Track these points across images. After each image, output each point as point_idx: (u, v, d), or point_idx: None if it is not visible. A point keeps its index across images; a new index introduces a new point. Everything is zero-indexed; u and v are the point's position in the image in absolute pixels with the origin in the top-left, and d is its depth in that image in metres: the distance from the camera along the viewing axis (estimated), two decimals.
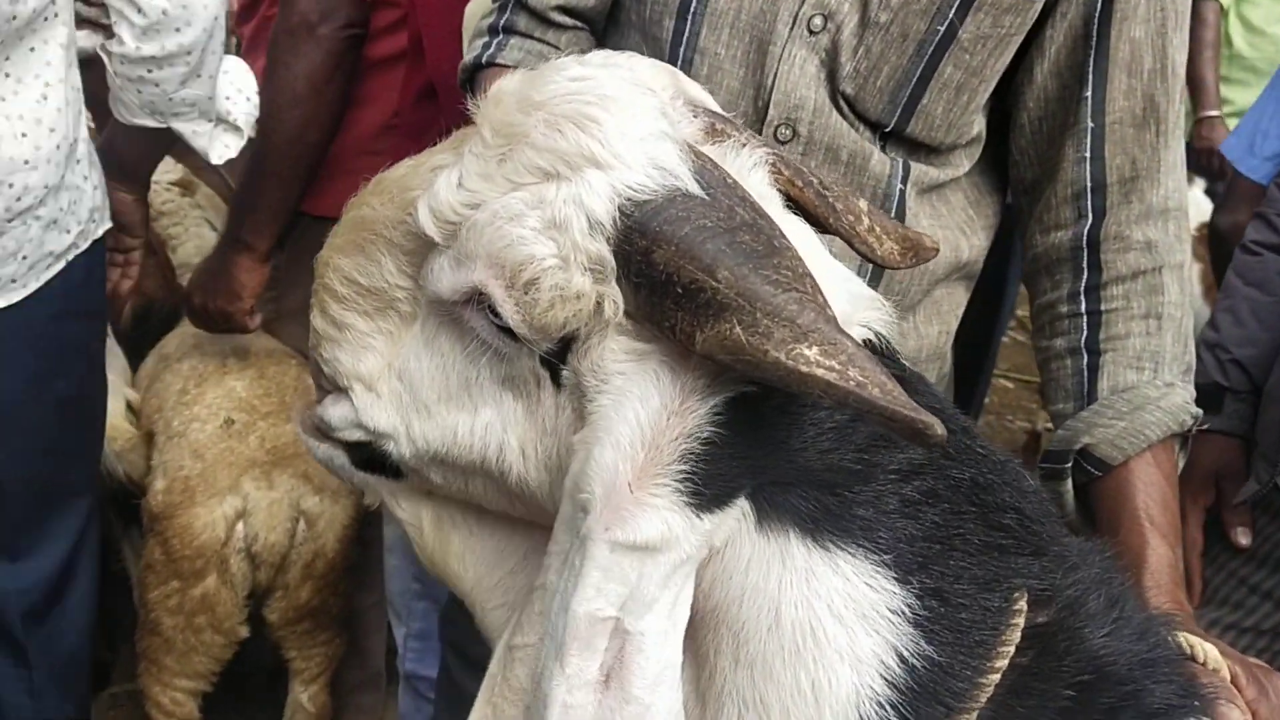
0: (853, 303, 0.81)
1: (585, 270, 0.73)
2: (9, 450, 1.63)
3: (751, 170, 0.81)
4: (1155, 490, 1.13)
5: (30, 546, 1.72)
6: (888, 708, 0.78)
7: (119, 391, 2.21)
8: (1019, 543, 0.85)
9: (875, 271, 1.18)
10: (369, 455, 0.90)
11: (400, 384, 0.87)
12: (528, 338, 0.76)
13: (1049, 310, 1.23)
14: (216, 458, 1.90)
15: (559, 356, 0.76)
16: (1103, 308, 1.16)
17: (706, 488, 0.73)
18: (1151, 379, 1.14)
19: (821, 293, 0.73)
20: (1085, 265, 1.19)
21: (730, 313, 0.69)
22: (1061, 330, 1.19)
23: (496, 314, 0.76)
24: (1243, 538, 1.57)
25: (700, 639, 0.81)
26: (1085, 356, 1.16)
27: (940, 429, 0.68)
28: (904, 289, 1.20)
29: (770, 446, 0.75)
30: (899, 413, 0.67)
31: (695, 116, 0.81)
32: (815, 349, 0.68)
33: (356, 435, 0.90)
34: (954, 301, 1.26)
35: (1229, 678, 0.95)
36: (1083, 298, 1.18)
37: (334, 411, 0.90)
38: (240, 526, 1.88)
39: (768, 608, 0.77)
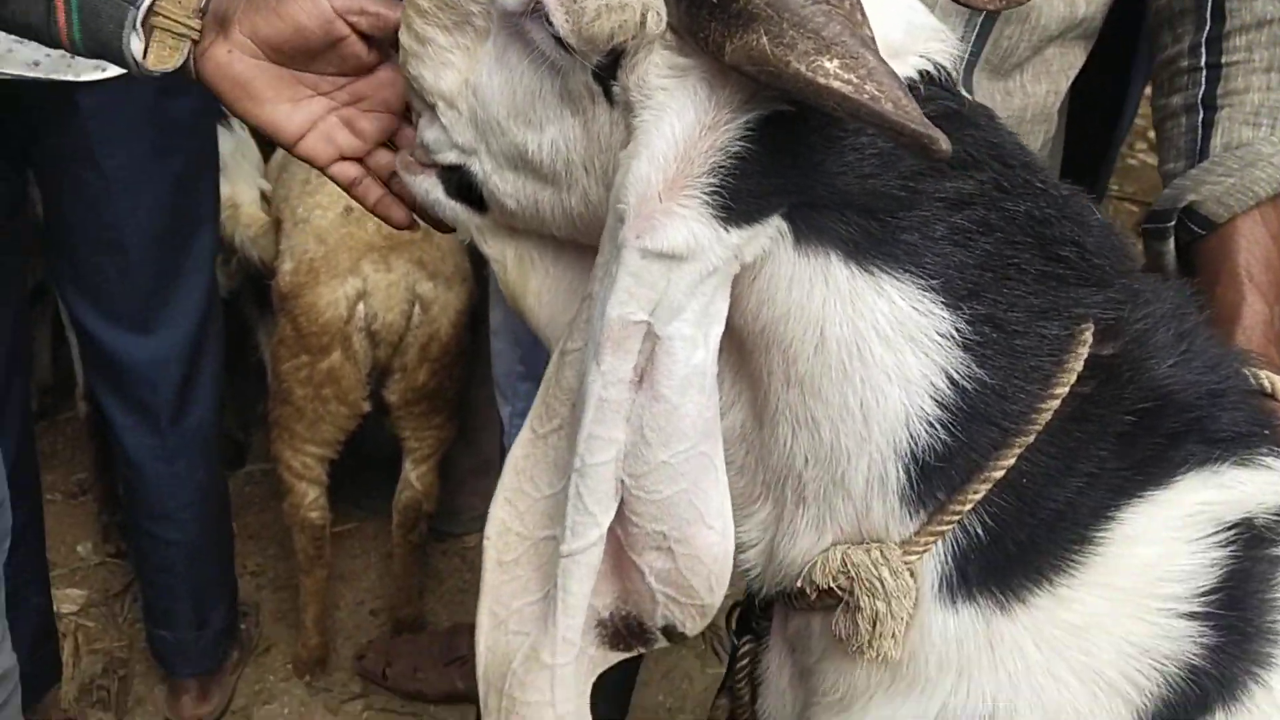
0: (910, 32, 0.80)
1: None
2: (135, 221, 1.76)
3: None
4: (1259, 248, 1.10)
5: (159, 319, 1.86)
6: (937, 426, 0.81)
7: (253, 181, 2.35)
8: (1080, 275, 0.86)
9: (984, 26, 1.16)
10: (460, 181, 0.94)
11: (475, 100, 0.89)
12: (577, 48, 0.78)
13: (1169, 66, 1.19)
14: (338, 242, 2.02)
15: (609, 72, 0.79)
16: (1224, 60, 1.12)
17: (735, 202, 0.76)
18: (1269, 135, 1.10)
19: (861, 10, 0.73)
20: (1208, 14, 1.14)
21: (759, 23, 0.70)
22: (1179, 86, 1.15)
23: (550, 24, 0.78)
24: None
25: (754, 361, 0.85)
26: (1201, 113, 1.13)
27: (945, 144, 0.68)
28: (1012, 45, 1.16)
29: (807, 168, 0.77)
30: (906, 126, 0.67)
31: None
32: (836, 61, 0.68)
33: (450, 157, 0.93)
34: (1066, 61, 1.22)
35: None
36: (1203, 50, 1.13)
37: (429, 134, 0.94)
38: (361, 306, 2.00)
39: (813, 327, 0.80)
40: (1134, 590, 0.85)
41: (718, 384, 0.84)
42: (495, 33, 0.87)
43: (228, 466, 2.71)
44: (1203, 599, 0.84)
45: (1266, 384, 0.96)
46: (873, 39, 0.73)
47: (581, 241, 0.92)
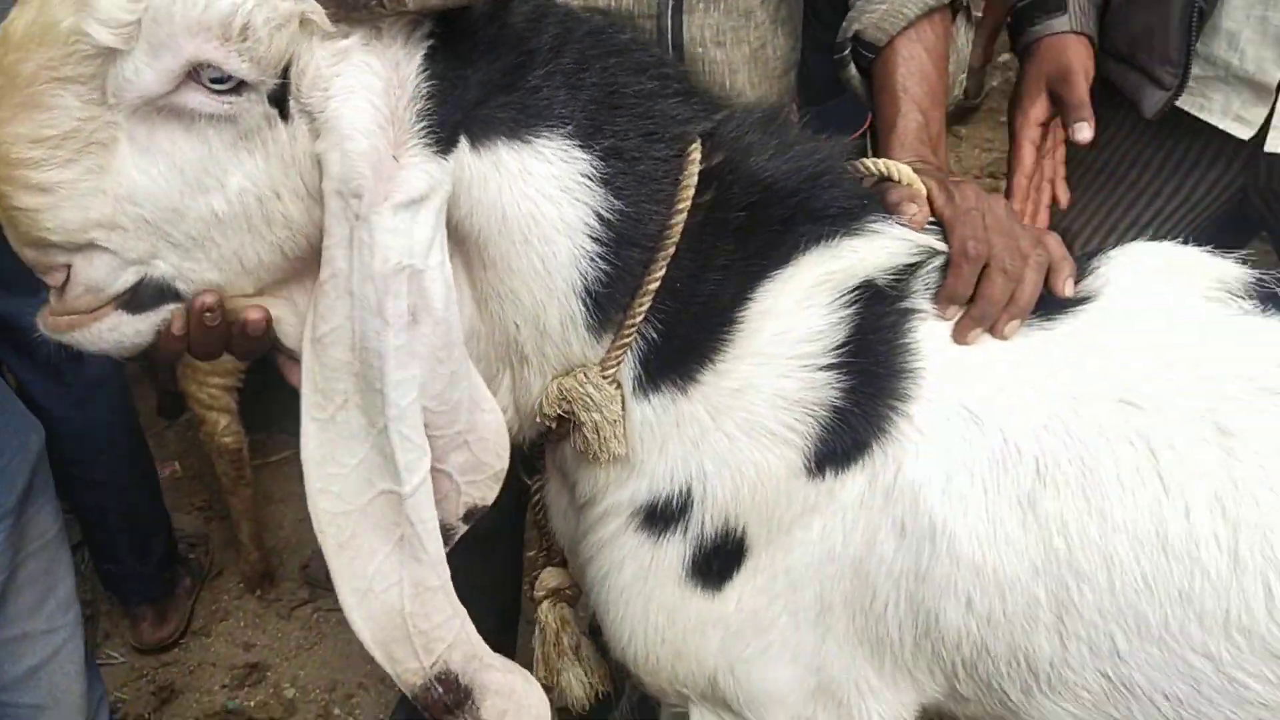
0: None
1: None
2: None
3: None
4: (914, 63, 1.22)
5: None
6: (599, 260, 0.97)
7: None
8: (679, 95, 1.00)
9: None
10: (148, 291, 0.92)
11: (136, 206, 0.87)
12: (258, 80, 0.83)
13: None
14: None
15: (283, 91, 0.85)
16: None
17: (441, 132, 0.87)
18: None
19: None
20: None
21: None
22: None
23: (217, 79, 0.82)
24: (1082, 132, 1.40)
25: (470, 264, 0.97)
26: None
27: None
28: None
29: (464, 79, 0.88)
30: None
31: None
32: None
33: (127, 279, 0.91)
34: None
35: (923, 190, 1.08)
36: None
37: (93, 272, 0.90)
38: None
39: (495, 212, 0.93)
40: (776, 354, 1.01)
41: (466, 298, 0.97)
42: (128, 134, 0.86)
43: (166, 416, 2.87)
44: (835, 352, 1.00)
45: (884, 169, 1.09)
46: None
47: (289, 269, 0.95)
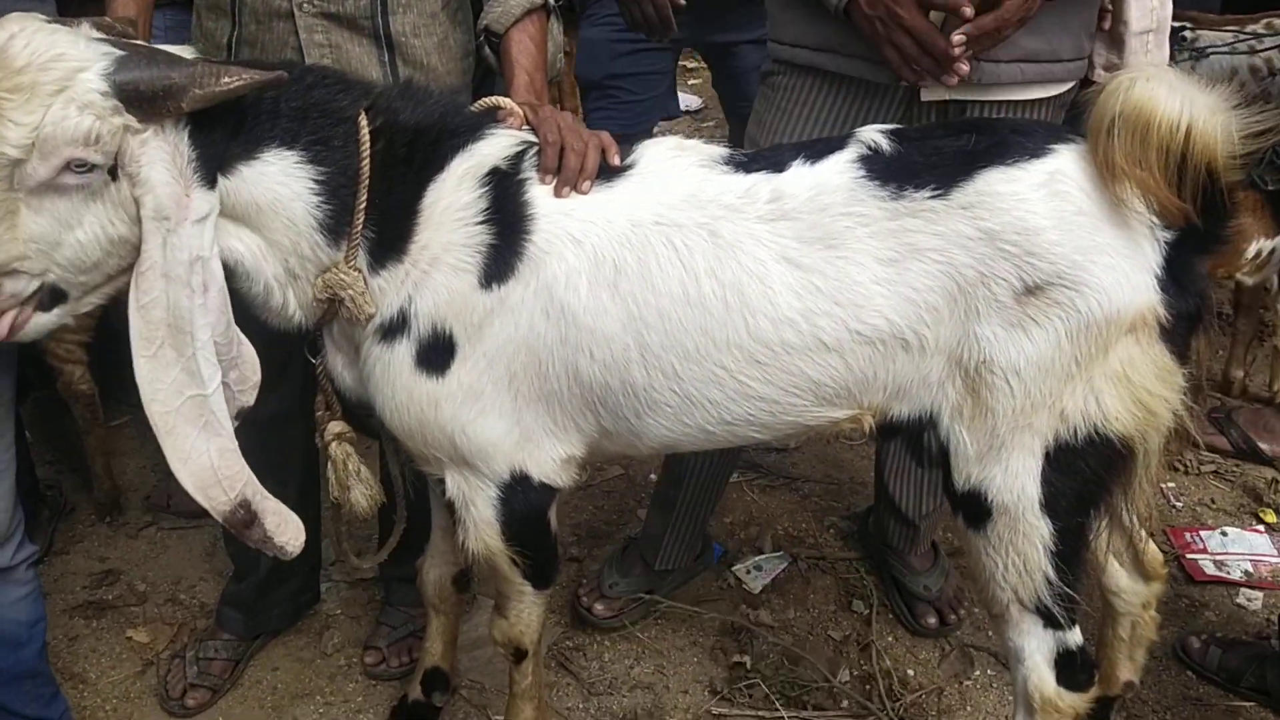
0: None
1: (111, 114, 1.42)
2: None
3: (92, 33, 1.48)
4: (524, 46, 1.92)
5: None
6: (324, 201, 1.63)
7: None
8: (344, 92, 1.66)
9: None
10: (46, 295, 1.51)
11: (34, 244, 1.46)
12: (105, 163, 1.45)
13: None
14: None
15: (113, 166, 1.47)
16: None
17: (208, 174, 1.53)
18: None
19: (191, 58, 1.50)
20: None
21: (189, 86, 1.45)
22: None
23: (80, 166, 1.42)
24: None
25: (256, 230, 1.63)
26: None
27: (282, 74, 1.50)
28: None
29: (213, 139, 1.54)
30: (262, 82, 1.50)
31: (56, 27, 1.45)
32: (226, 77, 1.47)
33: (33, 286, 1.49)
34: None
35: (519, 110, 1.77)
36: None
37: (11, 287, 1.48)
38: None
39: (253, 202, 1.60)
40: (446, 221, 1.66)
41: (265, 246, 1.64)
42: (26, 202, 1.43)
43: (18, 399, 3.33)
44: (483, 212, 1.66)
45: (490, 103, 1.79)
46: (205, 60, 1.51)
47: (114, 267, 1.54)
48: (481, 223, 1.66)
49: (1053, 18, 1.97)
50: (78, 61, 1.41)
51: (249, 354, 1.66)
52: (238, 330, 1.63)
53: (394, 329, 1.69)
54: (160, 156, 1.47)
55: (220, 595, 2.61)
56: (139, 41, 1.52)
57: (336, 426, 1.86)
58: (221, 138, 1.55)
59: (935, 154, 1.65)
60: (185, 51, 1.59)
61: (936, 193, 1.62)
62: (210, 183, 1.53)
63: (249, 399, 1.67)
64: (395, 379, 1.71)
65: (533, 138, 1.74)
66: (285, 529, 1.62)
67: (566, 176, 1.68)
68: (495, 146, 1.71)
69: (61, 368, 2.80)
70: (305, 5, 1.92)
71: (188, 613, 2.72)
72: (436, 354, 1.68)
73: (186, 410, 1.53)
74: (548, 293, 1.65)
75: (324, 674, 2.55)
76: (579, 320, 1.66)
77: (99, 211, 1.48)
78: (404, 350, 1.69)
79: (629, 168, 1.73)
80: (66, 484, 3.13)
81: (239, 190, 1.59)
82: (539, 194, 1.69)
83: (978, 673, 2.59)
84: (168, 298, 1.49)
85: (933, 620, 2.69)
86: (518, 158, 1.71)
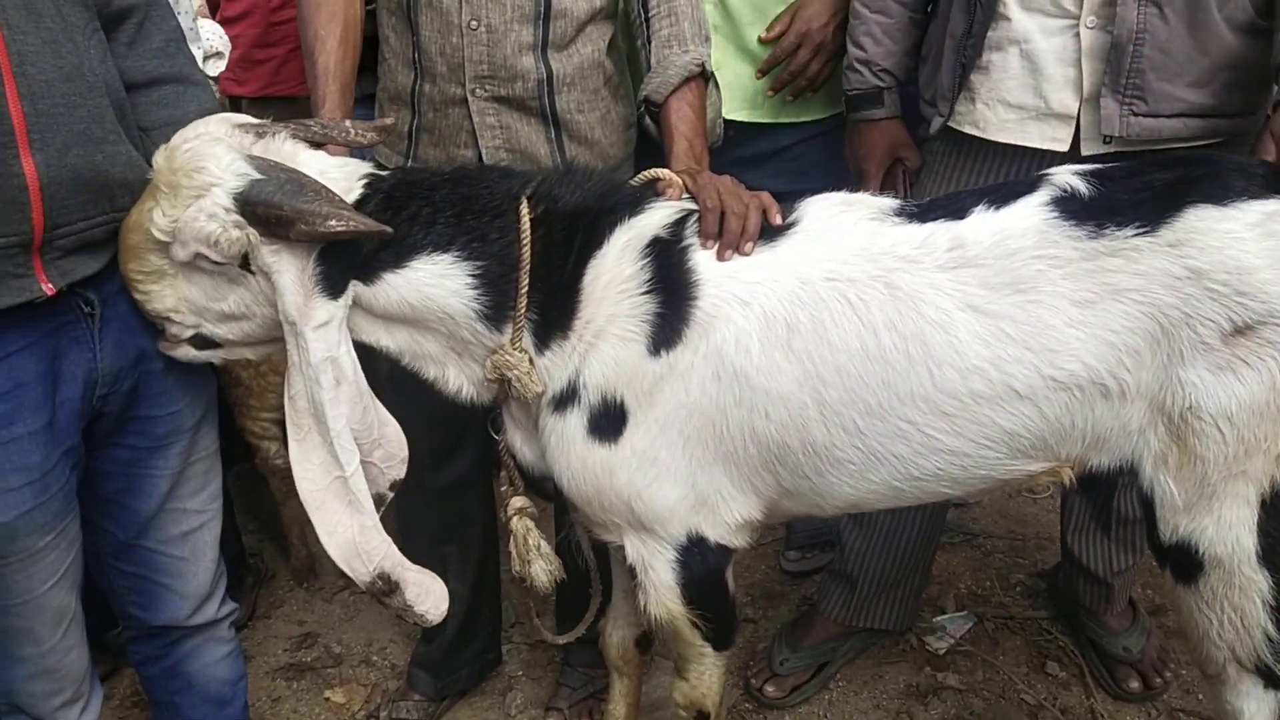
0: (347, 178, 1.69)
1: (233, 226, 1.57)
2: None
3: (284, 142, 1.67)
4: (684, 113, 1.96)
5: None
6: (481, 293, 1.70)
7: None
8: (504, 180, 1.74)
9: (544, 23, 2.00)
10: (201, 339, 1.73)
11: (186, 302, 1.68)
12: (228, 262, 1.62)
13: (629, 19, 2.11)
14: None
15: (245, 264, 1.62)
16: (649, 14, 2.02)
17: (330, 288, 1.63)
18: (678, 51, 1.98)
19: (328, 189, 1.60)
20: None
21: (296, 220, 1.57)
22: (636, 34, 2.06)
23: (209, 258, 1.60)
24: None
25: (414, 326, 1.74)
26: (644, 48, 2.03)
27: (386, 229, 1.59)
28: (563, 33, 2.02)
29: (343, 259, 1.64)
30: (366, 232, 1.59)
31: (247, 132, 1.65)
32: (333, 220, 1.57)
33: (188, 333, 1.72)
34: (600, 32, 2.09)
35: (677, 179, 1.80)
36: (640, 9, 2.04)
37: (172, 329, 1.72)
38: None
39: (405, 304, 1.69)
40: (609, 295, 1.70)
41: (414, 336, 1.74)
42: (179, 273, 1.66)
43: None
44: (647, 283, 1.69)
45: (649, 175, 1.83)
46: (330, 193, 1.61)
47: (260, 336, 1.73)
48: (646, 292, 1.69)
49: (1218, 71, 1.91)
50: (215, 177, 1.59)
51: (393, 433, 1.78)
52: (381, 411, 1.74)
53: (565, 400, 1.74)
54: (287, 267, 1.62)
55: (410, 657, 2.70)
56: (303, 167, 1.65)
57: (519, 502, 1.91)
58: (360, 254, 1.66)
59: (1144, 189, 1.59)
60: (362, 167, 1.72)
61: (1141, 230, 1.56)
62: (333, 293, 1.64)
63: (399, 472, 1.79)
64: (570, 448, 1.75)
65: (693, 205, 1.76)
66: (426, 598, 1.72)
67: (728, 240, 1.70)
68: (654, 218, 1.75)
69: (258, 444, 2.97)
70: (478, 91, 2.02)
71: (380, 674, 2.82)
72: (608, 422, 1.72)
73: (333, 489, 1.66)
74: (718, 356, 1.66)
75: None
76: (752, 381, 1.65)
77: (240, 293, 1.67)
78: (575, 420, 1.73)
79: (793, 225, 1.73)
80: (267, 552, 3.31)
81: (386, 295, 1.69)
82: (702, 260, 1.70)
83: None
84: (306, 390, 1.63)
85: (1135, 684, 2.53)
86: (678, 225, 1.74)
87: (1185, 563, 1.63)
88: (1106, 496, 1.70)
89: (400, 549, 2.42)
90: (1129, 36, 1.92)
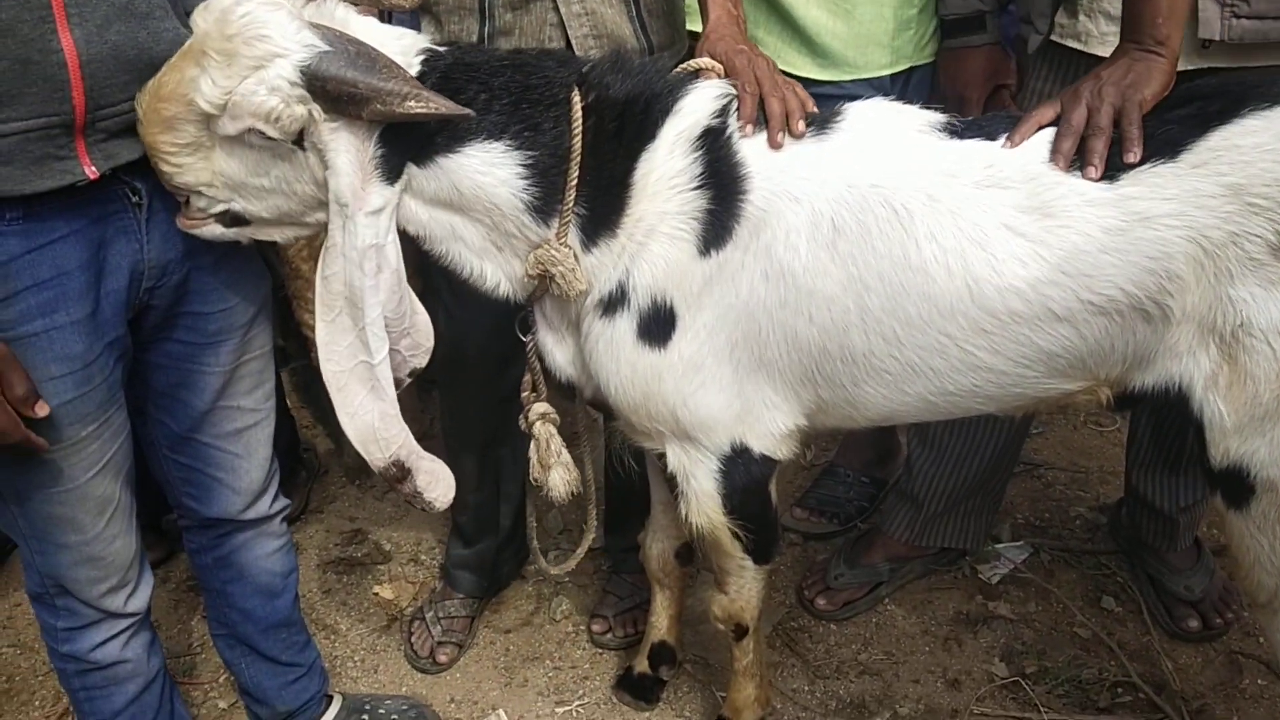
0: (404, 52, 1.59)
1: (296, 102, 1.47)
2: None
3: (336, 7, 1.57)
4: None
5: None
6: (531, 186, 1.62)
7: None
8: (558, 67, 1.65)
9: None
10: (231, 216, 1.63)
11: (223, 177, 1.57)
12: (283, 139, 1.52)
13: None
14: None
15: (299, 140, 1.53)
16: None
17: (389, 173, 1.56)
18: None
19: (400, 67, 1.51)
20: None
21: (372, 99, 1.48)
22: None
23: (262, 134, 1.50)
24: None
25: (463, 212, 1.66)
26: None
27: (469, 113, 1.50)
28: None
29: (405, 141, 1.56)
30: (447, 115, 1.50)
31: (305, 2, 1.53)
32: (411, 101, 1.48)
33: (218, 208, 1.62)
34: None
35: (718, 65, 1.72)
36: None
37: (199, 202, 1.62)
38: None
39: (455, 190, 1.62)
40: (661, 190, 1.63)
41: (457, 224, 1.66)
42: (219, 145, 1.55)
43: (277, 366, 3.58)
44: (698, 177, 1.62)
45: (690, 65, 1.74)
46: (404, 70, 1.52)
47: (297, 215, 1.64)
48: (696, 188, 1.63)
49: None
50: (279, 48, 1.47)
51: (423, 322, 1.74)
52: (413, 300, 1.69)
53: (614, 303, 1.69)
54: (346, 146, 1.53)
55: (447, 559, 2.70)
56: (360, 35, 1.56)
57: (541, 407, 1.87)
58: (419, 136, 1.58)
59: (1160, 125, 1.55)
60: (419, 41, 1.64)
61: (1159, 161, 1.52)
62: (391, 177, 1.57)
63: (421, 361, 1.78)
64: (619, 353, 1.71)
65: (732, 87, 1.69)
66: (436, 485, 1.72)
67: (775, 123, 1.63)
68: (701, 102, 1.67)
69: (313, 339, 2.96)
70: None
71: (428, 573, 2.85)
72: (658, 326, 1.67)
73: (358, 373, 1.62)
74: (767, 254, 1.61)
75: (553, 639, 2.61)
76: (798, 281, 1.61)
77: (285, 169, 1.57)
78: (625, 324, 1.69)
79: (839, 124, 1.66)
80: (321, 447, 3.34)
81: (436, 179, 1.62)
82: (752, 151, 1.64)
83: (1246, 682, 2.35)
84: (345, 275, 1.57)
85: (1195, 624, 2.46)
86: (724, 112, 1.66)
87: (1237, 487, 1.58)
88: (1175, 430, 1.62)
89: (451, 450, 2.44)
90: None
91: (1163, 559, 2.54)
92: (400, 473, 1.68)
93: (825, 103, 1.74)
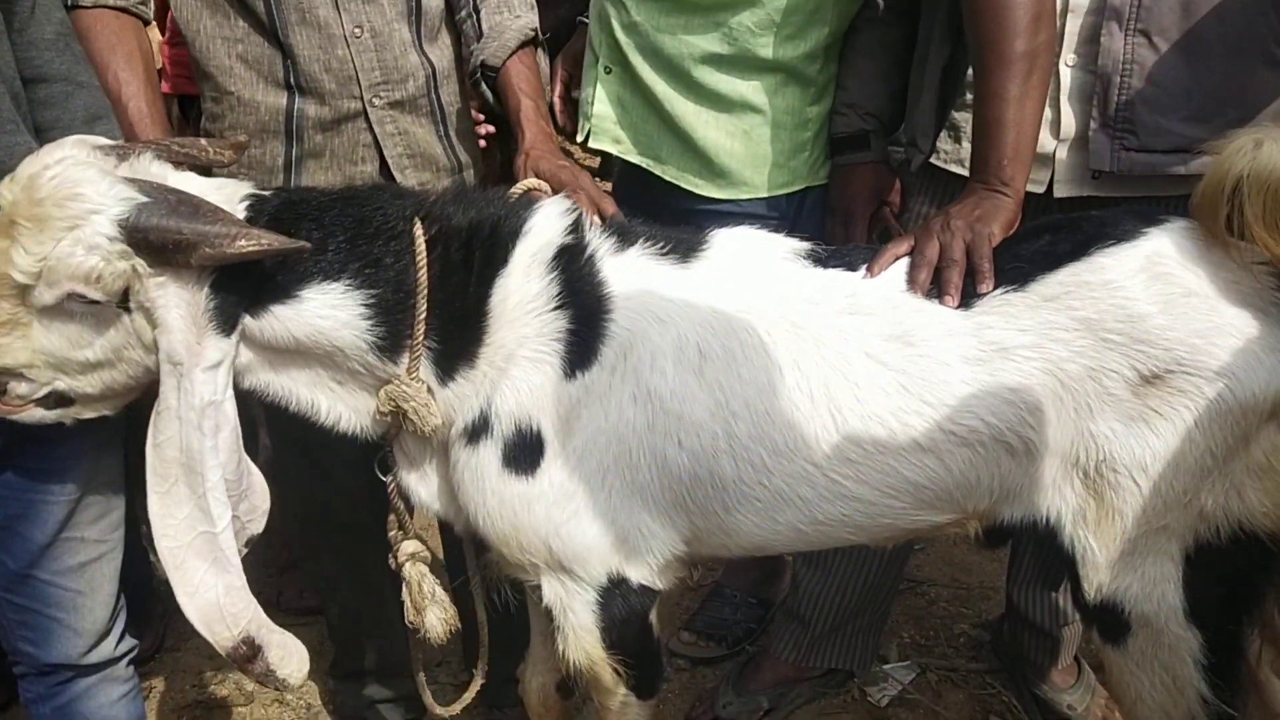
0: (228, 200, 1.52)
1: (118, 258, 1.39)
2: None
3: (150, 163, 1.50)
4: (524, 74, 1.93)
5: None
6: (376, 326, 1.56)
7: None
8: (397, 202, 1.61)
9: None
10: (56, 398, 1.53)
11: (44, 355, 1.47)
12: (107, 300, 1.44)
13: None
14: None
15: (124, 301, 1.45)
16: None
17: (224, 324, 1.49)
18: (510, 16, 1.96)
19: (223, 210, 1.47)
20: None
21: (199, 244, 1.41)
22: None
23: (84, 298, 1.41)
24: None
25: (301, 359, 1.60)
26: (471, 16, 1.99)
27: (304, 245, 1.45)
28: (432, 25, 2.01)
29: (238, 289, 1.50)
30: (280, 250, 1.45)
31: (109, 154, 1.46)
32: (241, 240, 1.42)
33: (41, 391, 1.51)
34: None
35: (545, 185, 1.74)
36: None
37: (21, 388, 1.51)
38: None
39: (290, 338, 1.55)
40: (518, 316, 1.59)
41: (293, 370, 1.60)
42: (37, 320, 1.45)
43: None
44: (557, 298, 1.59)
45: (521, 188, 1.75)
46: (229, 214, 1.47)
47: (127, 388, 1.55)
48: (555, 309, 1.59)
49: (1224, 105, 1.83)
50: (93, 204, 1.40)
51: (258, 484, 1.64)
52: (248, 462, 1.61)
53: (477, 432, 1.63)
54: (176, 301, 1.45)
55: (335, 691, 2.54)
56: (180, 188, 1.50)
57: (410, 546, 1.79)
58: (250, 284, 1.52)
59: (1011, 259, 1.60)
60: (241, 188, 1.57)
61: (1011, 289, 1.56)
62: (227, 330, 1.50)
63: (258, 527, 1.66)
64: (484, 483, 1.64)
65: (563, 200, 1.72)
66: (288, 661, 1.59)
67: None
68: (549, 220, 1.65)
69: None
70: (375, 100, 1.95)
71: (294, 713, 2.67)
72: (525, 453, 1.62)
73: (197, 546, 1.51)
74: (634, 376, 1.59)
75: None
76: (666, 405, 1.58)
77: (111, 336, 1.48)
78: (489, 452, 1.63)
79: (705, 250, 1.67)
80: None
81: (272, 328, 1.55)
82: (614, 270, 1.63)
83: None
84: (181, 439, 1.47)
85: None
86: (576, 228, 1.65)
87: (1112, 622, 1.58)
88: (1044, 550, 1.62)
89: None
90: (1114, 68, 1.86)
91: (1045, 676, 2.53)
92: (250, 651, 1.54)
93: (724, 220, 1.75)
